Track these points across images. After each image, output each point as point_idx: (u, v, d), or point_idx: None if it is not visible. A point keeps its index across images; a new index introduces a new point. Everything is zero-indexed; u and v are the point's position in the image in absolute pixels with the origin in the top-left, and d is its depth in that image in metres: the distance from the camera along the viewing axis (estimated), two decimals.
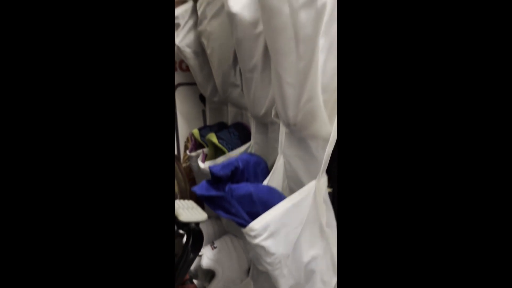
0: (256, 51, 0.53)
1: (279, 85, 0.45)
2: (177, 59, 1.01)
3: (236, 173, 0.48)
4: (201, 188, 0.44)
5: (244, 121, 0.83)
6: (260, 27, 0.50)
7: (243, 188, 0.46)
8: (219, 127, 0.92)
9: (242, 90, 0.70)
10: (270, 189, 0.49)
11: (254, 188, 0.46)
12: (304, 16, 0.37)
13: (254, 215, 0.45)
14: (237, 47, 0.56)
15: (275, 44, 0.42)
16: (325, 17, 0.37)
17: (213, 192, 0.43)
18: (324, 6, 0.36)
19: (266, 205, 0.45)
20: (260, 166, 0.55)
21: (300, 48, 0.40)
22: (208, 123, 1.05)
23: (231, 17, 0.51)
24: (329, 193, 0.55)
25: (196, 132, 0.87)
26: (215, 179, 0.45)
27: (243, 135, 0.76)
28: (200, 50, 0.81)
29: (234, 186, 0.46)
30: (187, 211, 0.59)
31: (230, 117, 0.88)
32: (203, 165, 0.75)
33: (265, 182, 0.55)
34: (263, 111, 0.60)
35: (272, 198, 0.47)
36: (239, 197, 0.45)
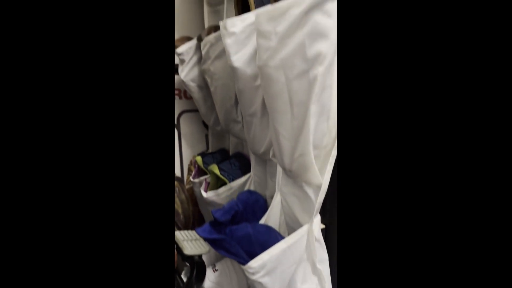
0: (256, 100, 0.58)
1: (276, 137, 0.50)
2: (182, 89, 1.07)
3: (236, 216, 0.53)
4: (204, 231, 0.48)
5: (245, 150, 0.87)
6: (259, 80, 0.55)
7: (243, 229, 0.50)
8: (221, 155, 0.96)
9: (243, 126, 0.75)
10: (267, 229, 0.54)
11: (252, 230, 0.50)
12: (298, 85, 0.42)
13: (252, 255, 0.49)
14: (238, 95, 0.61)
15: (272, 104, 0.47)
16: (316, 87, 0.41)
17: (215, 236, 0.48)
18: (315, 78, 0.41)
19: (264, 245, 0.50)
20: (259, 203, 0.59)
21: (294, 110, 0.44)
22: (210, 147, 1.10)
23: (234, 70, 0.56)
24: (322, 229, 0.60)
25: (199, 159, 0.92)
26: (217, 223, 0.49)
27: (244, 165, 0.81)
28: (204, 84, 0.87)
29: (234, 227, 0.51)
30: (191, 243, 0.63)
31: (231, 145, 0.93)
32: (206, 195, 0.80)
33: (263, 218, 0.60)
34: (262, 150, 0.65)
35: (269, 238, 0.51)
36: (239, 238, 0.49)
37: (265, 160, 0.71)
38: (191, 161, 1.13)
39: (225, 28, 0.53)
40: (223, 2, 0.86)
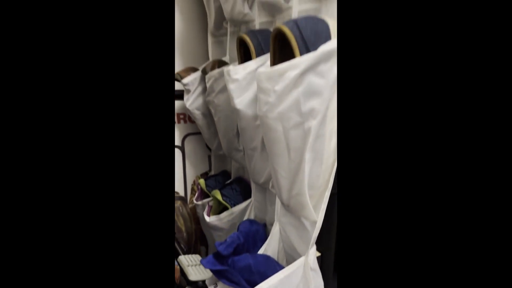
0: (256, 137, 0.63)
1: (275, 175, 0.55)
2: (187, 114, 1.12)
3: (238, 247, 0.57)
4: (208, 262, 0.53)
5: (245, 175, 0.92)
6: (259, 121, 0.60)
7: (244, 260, 0.55)
8: (223, 177, 1.01)
9: (244, 154, 0.80)
10: (266, 259, 0.58)
11: (253, 260, 0.55)
12: (294, 134, 0.47)
13: (252, 283, 0.53)
14: (240, 131, 0.66)
15: (271, 148, 0.52)
16: (311, 137, 0.46)
17: (219, 267, 0.52)
18: (309, 129, 0.46)
19: (263, 275, 0.54)
20: (259, 234, 0.64)
21: (291, 154, 0.49)
22: (213, 167, 1.15)
23: (236, 111, 0.61)
24: (318, 257, 0.64)
25: (202, 183, 0.97)
26: (220, 255, 0.54)
27: (244, 191, 0.86)
28: (208, 112, 0.92)
29: (236, 258, 0.55)
30: (195, 268, 0.68)
31: (233, 168, 0.98)
32: (208, 219, 0.84)
33: (263, 247, 0.64)
34: (262, 180, 0.70)
35: (268, 268, 0.56)
36: (240, 268, 0.54)
37: (265, 188, 0.76)
38: (194, 181, 1.18)
39: (229, 75, 0.58)
40: (226, 34, 0.92)
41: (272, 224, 0.68)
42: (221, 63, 0.81)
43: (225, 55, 0.93)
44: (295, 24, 0.43)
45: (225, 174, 1.03)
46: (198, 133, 1.11)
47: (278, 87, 0.44)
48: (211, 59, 1.02)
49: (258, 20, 0.70)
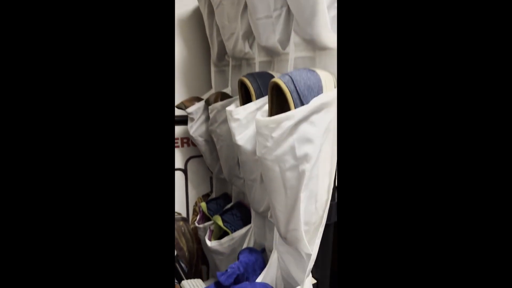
0: (256, 170, 0.67)
1: (272, 209, 0.59)
2: (190, 138, 1.17)
3: (238, 277, 0.61)
4: None
5: (246, 200, 0.96)
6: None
7: None
8: (224, 201, 1.05)
9: (244, 181, 0.84)
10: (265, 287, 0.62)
11: None
12: (290, 175, 0.51)
13: None
14: (241, 164, 0.71)
15: (269, 185, 0.56)
16: (305, 179, 0.50)
17: None
18: (304, 171, 0.50)
19: None
20: (258, 262, 0.67)
21: (287, 192, 0.53)
22: (214, 189, 1.19)
23: (237, 147, 0.66)
24: (314, 284, 0.67)
25: (204, 206, 1.01)
26: (221, 285, 0.58)
27: (245, 216, 0.89)
28: (210, 139, 0.96)
29: (236, 287, 0.58)
30: None
31: (234, 192, 1.02)
32: (210, 244, 0.88)
33: (262, 274, 0.67)
34: (261, 210, 0.74)
35: None
36: None
37: (264, 216, 0.80)
38: (196, 203, 1.22)
39: (231, 115, 0.63)
40: (228, 65, 0.98)
41: (271, 251, 0.72)
42: (223, 96, 0.86)
43: (227, 85, 0.98)
44: (290, 79, 0.48)
45: (226, 197, 1.07)
46: (200, 155, 1.15)
47: (275, 134, 0.49)
48: (213, 86, 1.08)
49: (258, 59, 0.75)
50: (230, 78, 0.96)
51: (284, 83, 0.48)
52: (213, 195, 1.15)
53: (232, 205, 0.95)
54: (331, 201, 0.56)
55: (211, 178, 1.24)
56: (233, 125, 0.63)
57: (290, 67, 0.62)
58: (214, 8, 0.79)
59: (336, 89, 0.51)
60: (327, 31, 0.47)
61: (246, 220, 0.88)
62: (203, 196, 1.23)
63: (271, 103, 0.54)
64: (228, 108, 0.65)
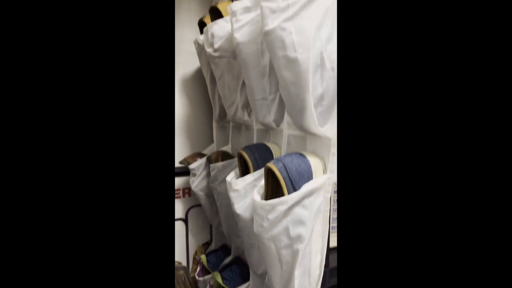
0: (254, 236, 0.70)
1: (269, 279, 0.62)
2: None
3: None
4: None
5: (244, 256, 0.98)
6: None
7: None
8: (223, 252, 1.07)
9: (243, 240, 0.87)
10: None
11: None
12: (285, 252, 0.55)
13: None
14: (240, 229, 0.75)
15: (266, 259, 0.59)
16: (299, 256, 0.54)
17: None
18: (297, 250, 0.54)
19: None
20: None
21: (283, 267, 0.57)
22: (213, 238, 1.21)
23: (236, 215, 0.70)
24: None
25: (204, 259, 1.03)
26: None
27: (244, 272, 0.91)
28: (210, 193, 1.01)
29: None
30: None
31: (233, 246, 1.04)
32: None
33: None
34: (259, 272, 0.76)
35: None
36: None
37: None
38: (196, 251, 1.23)
39: (231, 185, 0.68)
40: (228, 122, 1.04)
41: None
42: (224, 156, 0.92)
43: (227, 141, 1.04)
44: (284, 166, 0.53)
45: (225, 249, 1.10)
46: (199, 205, 1.19)
47: (271, 216, 0.53)
48: (215, 141, 1.14)
49: (256, 126, 0.82)
50: (230, 137, 1.02)
51: (278, 169, 0.53)
52: (213, 246, 1.17)
53: (231, 260, 0.97)
54: (324, 267, 0.59)
55: (210, 226, 1.27)
56: (232, 195, 0.68)
57: (284, 143, 0.68)
58: (216, 79, 0.86)
59: (325, 175, 0.56)
60: (315, 127, 0.53)
61: (245, 276, 0.90)
62: (203, 244, 1.25)
63: (267, 182, 0.59)
64: (228, 179, 0.70)
